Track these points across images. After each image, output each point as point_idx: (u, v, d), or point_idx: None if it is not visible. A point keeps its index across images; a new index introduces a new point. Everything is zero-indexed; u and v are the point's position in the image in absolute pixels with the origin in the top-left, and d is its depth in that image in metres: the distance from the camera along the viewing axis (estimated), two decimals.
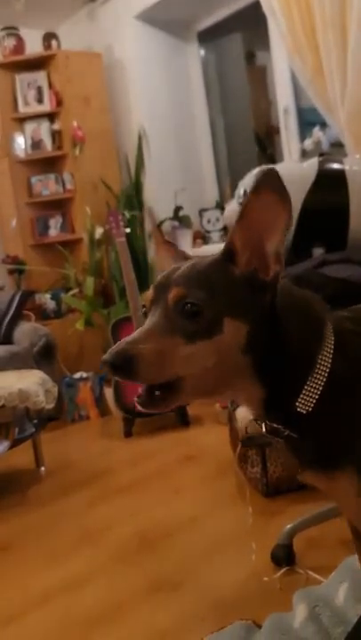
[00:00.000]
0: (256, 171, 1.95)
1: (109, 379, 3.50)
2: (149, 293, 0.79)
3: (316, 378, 0.76)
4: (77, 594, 1.79)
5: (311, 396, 0.76)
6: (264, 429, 0.80)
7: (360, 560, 0.88)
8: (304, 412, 0.76)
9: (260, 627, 0.84)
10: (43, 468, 2.83)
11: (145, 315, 0.79)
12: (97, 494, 2.51)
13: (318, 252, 1.85)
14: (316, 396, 0.76)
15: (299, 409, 0.76)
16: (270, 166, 0.73)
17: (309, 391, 0.76)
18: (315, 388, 0.76)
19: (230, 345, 0.73)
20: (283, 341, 0.76)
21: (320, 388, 0.76)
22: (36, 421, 2.82)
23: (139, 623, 1.60)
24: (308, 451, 0.79)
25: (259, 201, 0.72)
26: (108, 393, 3.53)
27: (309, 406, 0.76)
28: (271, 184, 0.71)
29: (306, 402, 0.76)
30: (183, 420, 3.27)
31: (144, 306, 0.82)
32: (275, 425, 0.79)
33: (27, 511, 2.44)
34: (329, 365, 0.76)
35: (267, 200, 0.72)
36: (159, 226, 3.84)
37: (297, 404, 0.76)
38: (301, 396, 0.76)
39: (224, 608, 1.60)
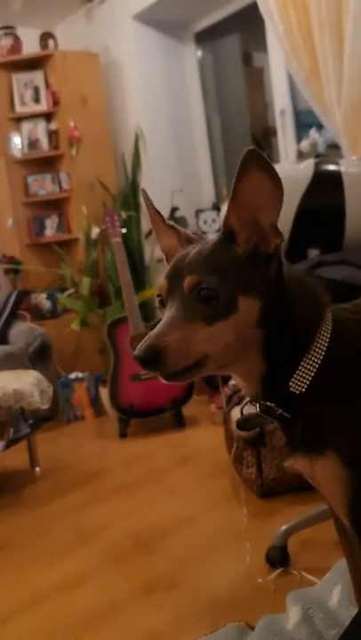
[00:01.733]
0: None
1: (105, 379, 3.50)
2: (164, 284, 0.81)
3: (311, 359, 0.78)
4: (72, 594, 1.79)
5: (305, 377, 0.77)
6: (258, 408, 0.81)
7: (346, 557, 0.88)
8: (296, 392, 0.78)
9: (253, 628, 0.84)
10: (38, 469, 2.83)
11: (161, 304, 0.82)
12: (92, 495, 2.51)
13: (314, 253, 1.85)
14: (310, 378, 0.77)
15: (291, 389, 0.78)
16: (250, 147, 0.74)
17: (303, 372, 0.78)
18: (309, 369, 0.78)
19: (246, 321, 0.76)
20: (289, 320, 0.79)
21: (314, 370, 0.77)
22: (31, 422, 2.81)
23: (133, 623, 1.60)
24: (298, 433, 0.80)
25: (248, 180, 0.74)
26: (104, 393, 3.53)
27: (302, 387, 0.77)
28: (257, 162, 0.73)
29: (299, 382, 0.78)
30: (179, 421, 3.27)
31: (159, 295, 0.83)
32: (268, 403, 0.80)
33: (21, 512, 2.43)
34: (325, 348, 0.78)
35: (256, 178, 0.73)
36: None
37: (290, 383, 0.78)
38: (295, 375, 0.78)
39: (219, 609, 1.61)
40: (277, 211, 0.76)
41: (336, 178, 1.89)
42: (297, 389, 0.77)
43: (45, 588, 1.83)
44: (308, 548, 1.80)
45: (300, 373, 0.77)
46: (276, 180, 0.73)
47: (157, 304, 0.84)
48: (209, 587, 1.72)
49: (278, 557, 1.74)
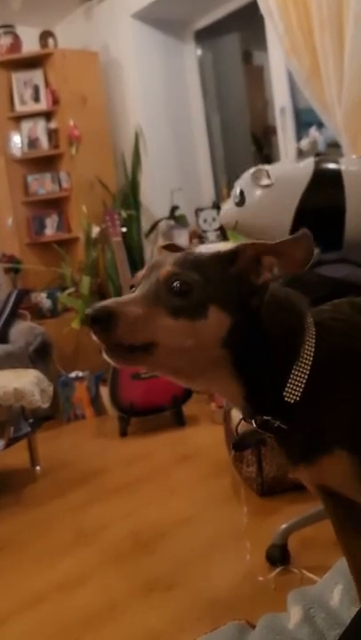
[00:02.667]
0: (252, 171, 1.95)
1: (105, 378, 3.50)
2: (141, 272, 0.81)
3: (300, 368, 0.79)
4: (72, 594, 1.79)
5: (297, 386, 0.78)
6: (255, 424, 0.81)
7: (346, 558, 0.88)
8: (292, 401, 0.78)
9: (253, 627, 0.84)
10: (38, 468, 2.83)
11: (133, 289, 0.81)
12: (92, 494, 2.51)
13: (314, 251, 1.84)
14: (303, 385, 0.78)
15: (287, 399, 0.78)
16: (307, 231, 0.78)
17: (295, 381, 0.78)
18: (300, 377, 0.78)
19: (211, 333, 0.76)
20: (265, 340, 0.79)
21: (305, 377, 0.78)
22: (31, 420, 2.81)
23: (133, 623, 1.60)
24: (298, 442, 0.81)
25: (288, 249, 0.77)
26: (104, 392, 3.52)
27: (297, 395, 0.78)
28: (311, 250, 0.77)
29: (293, 391, 0.78)
30: (179, 420, 3.27)
31: (132, 286, 0.82)
32: (265, 417, 0.80)
33: (22, 511, 2.43)
34: (312, 355, 0.79)
35: (302, 251, 0.76)
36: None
37: (284, 394, 0.78)
38: (288, 386, 0.78)
39: (219, 608, 1.60)
40: (284, 273, 0.78)
41: (336, 176, 1.89)
42: (292, 398, 0.78)
43: (45, 588, 1.83)
44: (308, 546, 1.80)
45: (293, 382, 0.78)
46: (308, 258, 0.77)
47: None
48: (209, 586, 1.72)
49: (279, 556, 1.74)
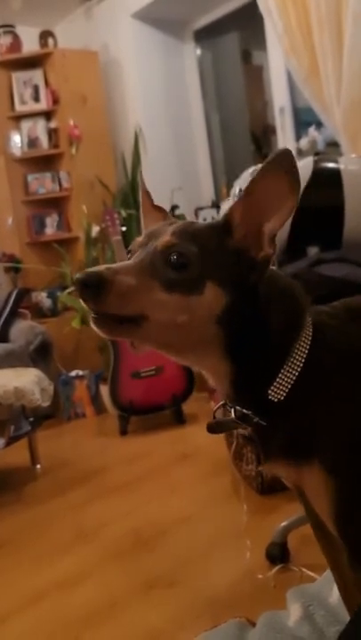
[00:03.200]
0: (251, 170, 1.96)
1: (105, 377, 3.51)
2: (139, 239, 0.77)
3: (290, 367, 0.75)
4: (72, 592, 1.79)
5: (284, 385, 0.75)
6: (233, 414, 0.78)
7: (329, 563, 0.87)
8: (276, 400, 0.75)
9: (254, 624, 0.85)
10: (38, 466, 2.84)
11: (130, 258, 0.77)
12: (92, 492, 2.52)
13: (313, 251, 1.85)
14: (289, 386, 0.74)
15: (270, 396, 0.75)
16: (285, 147, 0.70)
17: (283, 380, 0.75)
18: (288, 377, 0.75)
19: (206, 309, 0.72)
20: (261, 324, 0.75)
21: (294, 378, 0.74)
22: (31, 419, 2.82)
23: (133, 621, 1.61)
24: (277, 440, 0.77)
25: (269, 180, 0.70)
26: (104, 391, 3.53)
27: (281, 395, 0.74)
28: (286, 165, 0.68)
29: (278, 390, 0.75)
30: (179, 419, 3.28)
31: (129, 251, 0.78)
32: (244, 411, 0.77)
33: (22, 509, 2.44)
34: (305, 356, 0.75)
35: (277, 181, 0.69)
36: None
37: (269, 391, 0.75)
38: (275, 383, 0.75)
39: (219, 606, 1.61)
40: (284, 221, 0.72)
41: (335, 175, 1.89)
42: (276, 397, 0.75)
43: (45, 586, 1.84)
44: (307, 544, 1.81)
45: (280, 381, 0.74)
46: (297, 189, 0.69)
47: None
48: (209, 584, 1.73)
49: (278, 554, 1.75)
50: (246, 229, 0.74)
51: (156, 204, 0.90)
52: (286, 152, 0.68)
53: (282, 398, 0.74)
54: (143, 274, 0.71)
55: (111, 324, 0.71)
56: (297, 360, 0.75)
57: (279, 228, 0.72)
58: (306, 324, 0.77)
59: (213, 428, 0.84)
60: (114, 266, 0.71)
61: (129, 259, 0.76)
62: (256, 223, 0.73)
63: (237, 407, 0.77)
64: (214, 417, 0.83)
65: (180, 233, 0.73)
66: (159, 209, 0.89)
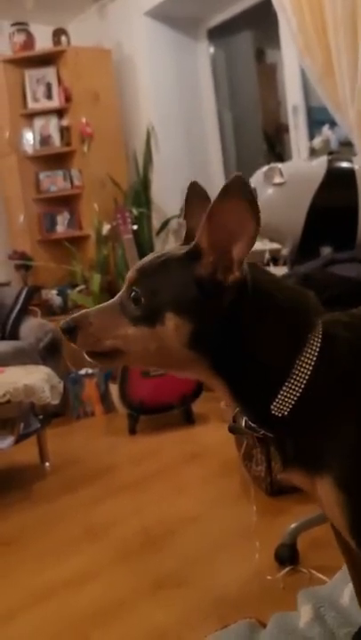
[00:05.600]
0: (264, 169, 1.95)
1: (115, 375, 3.51)
2: (130, 272, 0.84)
3: (293, 383, 0.75)
4: (80, 590, 1.79)
5: (287, 401, 0.75)
6: (243, 425, 0.81)
7: (347, 564, 0.87)
8: (279, 415, 0.75)
9: (264, 625, 0.84)
10: (47, 464, 2.84)
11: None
12: (101, 491, 2.51)
13: (327, 250, 1.84)
14: (293, 401, 0.75)
15: (273, 412, 0.75)
16: (238, 173, 0.72)
17: (285, 396, 0.75)
18: (291, 392, 0.75)
19: (171, 338, 0.76)
20: (247, 343, 0.76)
21: (297, 394, 0.75)
22: (41, 417, 2.82)
23: (141, 620, 1.60)
24: (288, 451, 0.79)
25: (227, 205, 0.72)
26: (114, 390, 3.53)
27: (285, 410, 0.75)
28: (240, 190, 0.71)
29: (281, 406, 0.75)
30: (188, 418, 3.27)
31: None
32: (251, 424, 0.80)
33: (31, 507, 2.44)
34: (309, 371, 0.75)
35: (235, 206, 0.71)
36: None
37: (272, 406, 0.75)
38: (277, 399, 0.75)
39: (227, 606, 1.60)
40: (249, 245, 0.73)
41: (349, 175, 1.88)
42: (279, 412, 0.75)
43: (53, 584, 1.84)
44: (317, 546, 1.79)
45: (282, 397, 0.75)
46: (255, 214, 0.71)
47: None
48: (218, 584, 1.72)
49: (287, 555, 1.73)
50: (215, 254, 0.75)
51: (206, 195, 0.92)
52: (239, 179, 0.70)
53: (285, 414, 0.74)
54: (114, 312, 0.81)
55: (97, 357, 0.83)
56: (300, 376, 0.75)
57: (247, 252, 0.74)
58: (311, 337, 0.76)
59: (232, 429, 0.87)
60: (95, 308, 0.83)
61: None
62: (223, 247, 0.74)
63: (245, 419, 0.80)
64: (234, 420, 0.85)
65: (143, 269, 0.80)
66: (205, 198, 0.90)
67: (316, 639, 0.74)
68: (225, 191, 0.71)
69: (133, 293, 0.78)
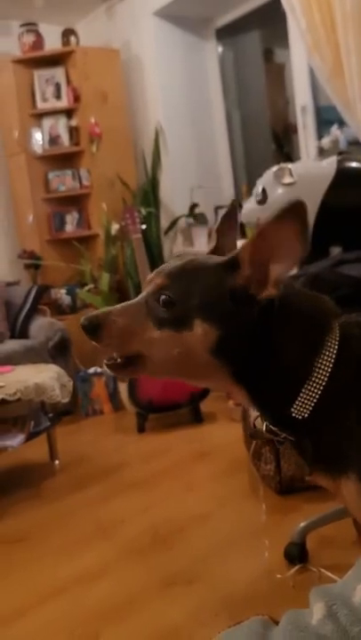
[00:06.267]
0: (274, 169, 1.95)
1: None
2: (150, 275, 0.84)
3: (312, 385, 0.76)
4: (90, 587, 1.81)
5: (307, 404, 0.76)
6: (264, 429, 0.81)
7: None
8: (300, 417, 0.77)
9: (276, 622, 0.85)
10: (57, 462, 2.86)
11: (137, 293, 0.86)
12: (110, 489, 2.53)
13: (336, 250, 1.84)
14: (313, 404, 0.76)
15: (294, 414, 0.77)
16: (300, 199, 0.73)
17: (305, 398, 0.76)
18: (311, 395, 0.76)
19: (197, 344, 0.76)
20: (269, 351, 0.77)
21: (317, 396, 0.76)
22: (51, 415, 2.84)
23: (152, 617, 1.61)
24: (309, 453, 0.80)
25: (280, 228, 0.72)
26: (122, 388, 3.54)
27: (305, 413, 0.76)
28: (298, 215, 0.71)
29: (301, 408, 0.76)
30: (196, 417, 3.28)
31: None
32: (271, 427, 0.81)
33: (41, 504, 2.46)
34: (328, 373, 0.76)
35: (288, 229, 0.72)
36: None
37: (292, 409, 0.76)
38: (297, 402, 0.76)
39: (237, 604, 1.61)
40: (291, 267, 0.74)
41: (359, 175, 1.88)
42: (299, 415, 0.76)
43: (64, 581, 1.85)
44: (326, 545, 1.80)
45: (302, 400, 0.76)
46: (305, 242, 0.72)
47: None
48: (227, 582, 1.73)
49: (297, 554, 1.74)
50: (253, 269, 0.76)
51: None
52: (301, 204, 0.71)
53: (306, 416, 0.75)
54: (138, 314, 0.79)
55: (119, 368, 0.81)
56: (319, 378, 0.76)
57: (286, 272, 0.75)
58: (329, 340, 0.77)
59: (254, 435, 0.88)
60: (116, 307, 0.80)
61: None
62: (264, 264, 0.75)
63: (266, 423, 0.81)
64: (254, 426, 0.86)
65: (175, 274, 0.79)
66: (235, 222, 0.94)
67: (328, 636, 0.75)
68: (283, 213, 0.71)
69: (164, 297, 0.77)
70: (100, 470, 2.74)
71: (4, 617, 1.71)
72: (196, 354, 0.76)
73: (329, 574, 1.63)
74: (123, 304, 0.81)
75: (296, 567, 1.70)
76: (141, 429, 3.26)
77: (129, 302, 0.81)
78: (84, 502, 2.43)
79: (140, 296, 0.81)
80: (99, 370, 3.73)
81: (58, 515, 2.35)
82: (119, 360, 0.82)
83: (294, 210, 0.71)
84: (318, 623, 0.83)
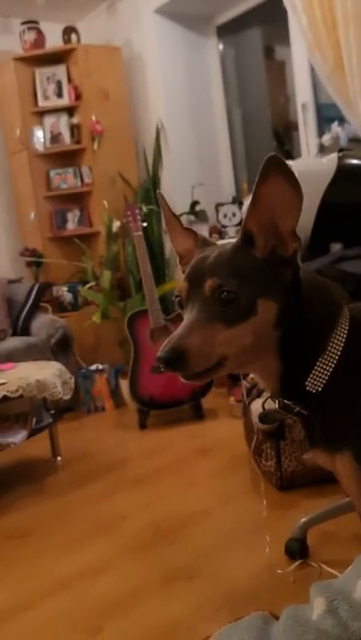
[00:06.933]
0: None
1: (125, 371, 3.53)
2: (184, 285, 0.83)
3: (326, 359, 0.79)
4: (92, 582, 1.82)
5: (321, 377, 0.79)
6: (277, 405, 0.83)
7: None
8: (313, 391, 0.80)
9: (277, 618, 0.86)
10: (59, 458, 2.87)
11: (179, 304, 0.84)
12: (112, 485, 2.54)
13: (336, 247, 1.85)
14: (326, 377, 0.79)
15: (308, 388, 0.80)
16: (272, 153, 0.75)
17: (319, 372, 0.80)
18: (325, 369, 0.79)
19: (264, 323, 0.78)
20: (305, 319, 0.81)
21: (330, 370, 0.79)
22: (52, 412, 2.85)
23: (153, 612, 1.63)
24: (317, 429, 0.82)
25: (268, 186, 0.75)
26: (124, 385, 3.56)
27: (319, 386, 0.79)
28: (277, 168, 0.74)
29: (315, 382, 0.80)
30: (198, 413, 3.29)
31: (178, 296, 0.85)
32: (286, 402, 0.83)
33: (43, 500, 2.47)
34: (341, 349, 0.80)
35: (276, 184, 0.75)
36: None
37: (307, 383, 0.80)
38: (311, 375, 0.80)
39: (238, 599, 1.62)
40: (296, 216, 0.77)
41: (360, 172, 1.89)
42: (314, 388, 0.79)
43: (66, 577, 1.86)
44: (327, 540, 1.81)
45: (317, 373, 0.79)
46: (295, 185, 0.75)
47: (176, 305, 0.86)
48: (229, 577, 1.74)
49: (298, 549, 1.75)
50: (265, 235, 0.79)
51: (185, 226, 0.95)
52: (275, 156, 0.74)
53: (320, 389, 0.78)
54: (205, 324, 0.78)
55: (201, 376, 0.79)
56: (333, 353, 0.79)
57: (295, 222, 0.78)
58: (342, 317, 0.81)
59: (263, 418, 0.90)
60: (180, 331, 0.78)
61: (178, 302, 0.83)
62: (272, 227, 0.78)
63: (280, 399, 0.83)
64: (263, 408, 0.88)
65: (219, 270, 0.79)
66: (188, 230, 0.94)
67: (329, 631, 0.76)
68: (263, 172, 0.74)
69: (225, 294, 0.77)
70: (102, 466, 2.76)
71: (7, 612, 1.72)
72: (264, 333, 0.79)
73: (330, 570, 1.64)
74: (184, 324, 0.79)
75: (297, 563, 1.71)
76: (143, 426, 3.27)
77: (189, 319, 0.79)
78: (86, 498, 2.44)
79: (194, 307, 0.79)
80: (100, 367, 3.74)
81: (60, 511, 2.36)
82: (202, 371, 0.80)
83: (272, 164, 0.73)
84: (319, 618, 0.84)
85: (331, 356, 0.79)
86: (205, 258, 0.82)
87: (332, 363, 0.79)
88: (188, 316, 0.80)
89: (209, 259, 0.82)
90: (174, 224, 0.94)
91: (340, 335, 0.79)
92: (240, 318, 0.77)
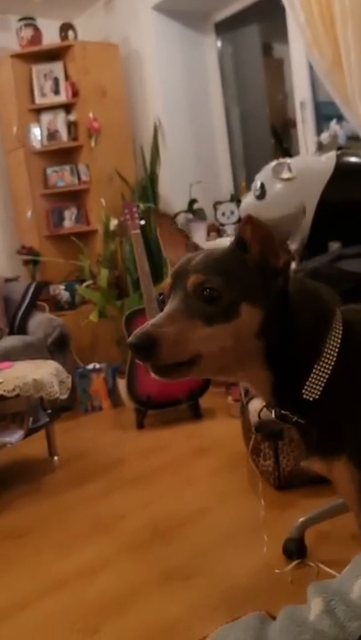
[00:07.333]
0: (273, 164, 1.95)
1: (122, 370, 3.52)
2: (168, 281, 0.83)
3: (321, 367, 0.78)
4: (90, 581, 1.81)
5: (317, 385, 0.78)
6: (274, 415, 0.82)
7: None
8: (310, 399, 0.79)
9: (274, 618, 0.85)
10: (56, 458, 2.86)
11: (162, 302, 0.83)
12: (110, 484, 2.53)
13: (335, 246, 1.84)
14: (322, 385, 0.78)
15: (305, 396, 0.79)
16: (247, 214, 0.77)
17: (315, 379, 0.79)
18: (320, 376, 0.78)
19: (246, 329, 0.77)
20: (293, 329, 0.79)
21: (326, 377, 0.78)
22: (49, 411, 2.84)
23: (151, 611, 1.62)
24: (314, 437, 0.81)
25: (249, 232, 0.79)
26: (121, 384, 3.55)
27: (315, 394, 0.78)
28: (250, 228, 0.77)
29: (312, 390, 0.79)
30: (195, 413, 3.28)
31: (161, 294, 0.84)
32: (283, 412, 0.82)
33: (40, 500, 2.47)
34: (335, 355, 0.79)
35: (255, 234, 0.79)
36: (173, 217, 3.82)
37: (303, 391, 0.79)
38: (308, 383, 0.79)
39: (235, 599, 1.62)
40: (283, 241, 0.78)
41: (358, 170, 1.88)
42: (310, 396, 0.78)
43: (64, 575, 1.86)
44: (325, 540, 1.81)
45: (313, 380, 0.79)
46: (268, 233, 0.77)
47: (160, 304, 0.85)
48: (226, 577, 1.74)
49: (295, 549, 1.75)
50: (259, 244, 0.79)
51: (178, 227, 0.95)
52: (248, 218, 0.77)
53: (316, 397, 0.77)
54: (184, 317, 0.77)
55: (170, 371, 0.77)
56: (327, 359, 0.79)
57: (286, 239, 0.80)
58: (335, 323, 0.80)
59: (260, 428, 0.90)
60: (157, 320, 0.76)
61: (162, 300, 0.82)
62: (266, 238, 0.79)
63: (277, 409, 0.82)
64: (259, 417, 0.88)
65: (204, 267, 0.79)
66: (180, 231, 0.93)
67: (326, 631, 0.75)
68: (241, 228, 0.78)
69: (207, 292, 0.76)
70: (100, 466, 2.75)
71: (5, 611, 1.71)
72: (245, 340, 0.77)
73: (327, 570, 1.64)
74: (162, 314, 0.78)
75: (294, 562, 1.71)
76: (140, 425, 3.26)
77: (168, 310, 0.78)
78: (84, 498, 2.43)
79: (175, 299, 0.79)
80: (97, 366, 3.73)
81: (57, 510, 2.35)
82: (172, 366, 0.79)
83: (245, 225, 0.77)
84: (316, 618, 0.83)
85: (326, 362, 0.78)
86: (193, 257, 0.82)
87: (328, 368, 0.78)
88: (168, 307, 0.79)
89: (196, 258, 0.82)
90: (164, 223, 0.93)
91: (334, 340, 0.79)
92: (221, 318, 0.76)
